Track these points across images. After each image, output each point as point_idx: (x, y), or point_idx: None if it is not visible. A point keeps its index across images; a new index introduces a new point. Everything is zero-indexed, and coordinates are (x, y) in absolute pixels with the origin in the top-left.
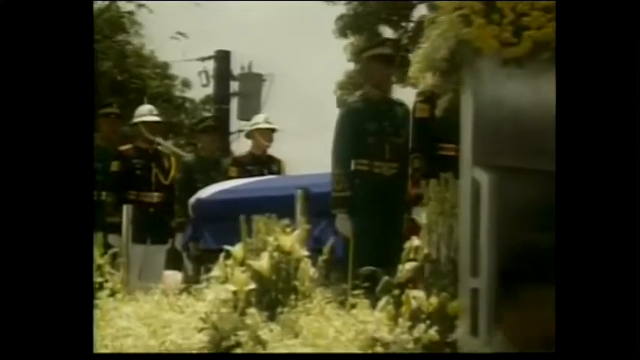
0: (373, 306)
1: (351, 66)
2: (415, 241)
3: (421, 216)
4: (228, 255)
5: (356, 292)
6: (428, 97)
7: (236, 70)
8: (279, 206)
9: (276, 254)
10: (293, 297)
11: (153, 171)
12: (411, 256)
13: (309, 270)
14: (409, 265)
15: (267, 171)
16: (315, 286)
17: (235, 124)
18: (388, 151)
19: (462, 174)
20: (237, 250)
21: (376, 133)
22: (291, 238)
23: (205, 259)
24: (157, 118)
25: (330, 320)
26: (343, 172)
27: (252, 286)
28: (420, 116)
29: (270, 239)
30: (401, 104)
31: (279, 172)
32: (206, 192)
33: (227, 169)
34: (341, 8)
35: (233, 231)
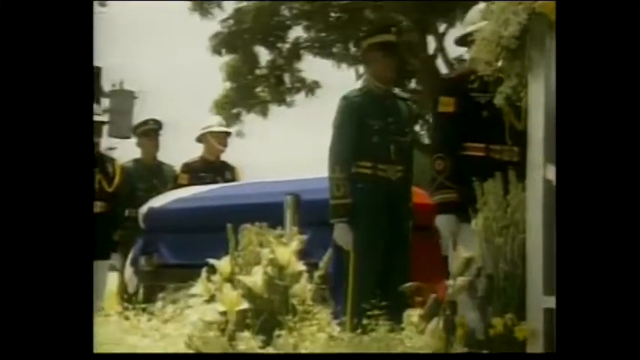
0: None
1: (228, 85)
2: (464, 253)
3: (475, 223)
4: (213, 270)
5: (375, 312)
6: (453, 89)
7: (107, 86)
8: (250, 215)
9: (269, 269)
10: (291, 318)
11: (96, 177)
12: (461, 270)
13: (307, 286)
14: (461, 281)
15: (221, 178)
16: (315, 304)
17: (106, 141)
18: (394, 151)
19: (530, 173)
20: (223, 264)
21: (380, 132)
22: (287, 251)
23: (160, 276)
24: (102, 118)
25: (344, 344)
26: (343, 176)
27: (245, 305)
28: (443, 111)
29: (265, 251)
30: (405, 99)
31: (233, 179)
32: (159, 201)
33: (177, 176)
34: (216, 26)
35: (195, 243)
